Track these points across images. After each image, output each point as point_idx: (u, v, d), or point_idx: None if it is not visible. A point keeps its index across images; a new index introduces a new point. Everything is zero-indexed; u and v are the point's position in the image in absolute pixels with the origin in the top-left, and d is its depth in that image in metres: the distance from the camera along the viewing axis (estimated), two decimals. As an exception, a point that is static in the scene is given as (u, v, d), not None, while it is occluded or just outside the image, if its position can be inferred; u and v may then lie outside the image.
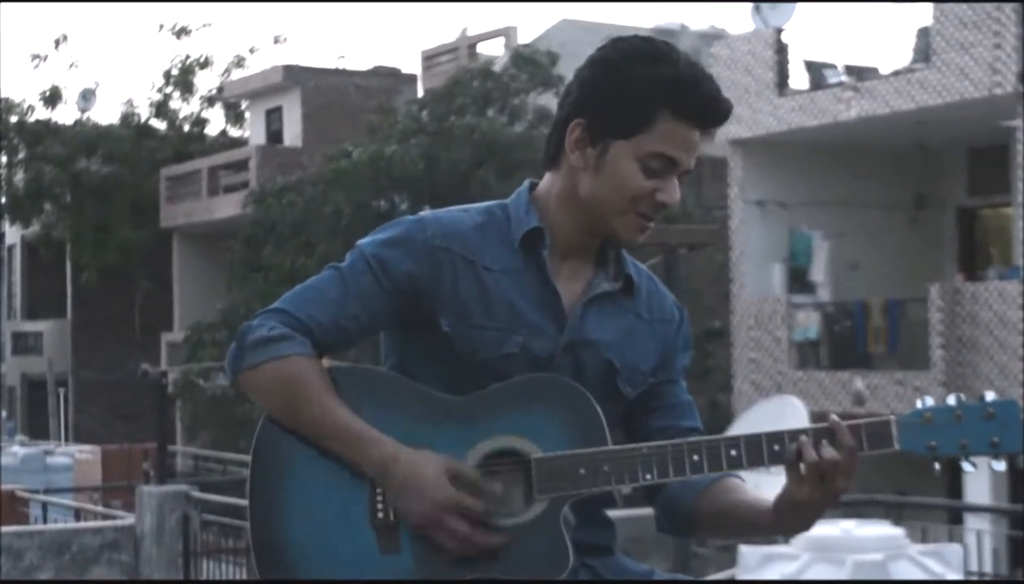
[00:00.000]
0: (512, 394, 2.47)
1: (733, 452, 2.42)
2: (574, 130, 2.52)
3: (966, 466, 2.44)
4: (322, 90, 33.52)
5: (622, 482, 2.43)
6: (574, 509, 2.47)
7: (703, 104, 2.49)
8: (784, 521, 2.48)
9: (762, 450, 2.42)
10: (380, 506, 2.44)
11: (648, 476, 2.42)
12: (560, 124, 2.55)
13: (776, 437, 2.42)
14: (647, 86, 2.47)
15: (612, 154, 2.49)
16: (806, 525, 2.49)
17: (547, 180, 2.60)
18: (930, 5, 19.99)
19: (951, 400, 2.43)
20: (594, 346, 2.55)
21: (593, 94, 2.51)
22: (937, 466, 2.44)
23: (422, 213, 2.59)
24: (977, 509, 15.39)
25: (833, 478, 2.39)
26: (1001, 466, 2.42)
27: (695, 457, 2.42)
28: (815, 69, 22.46)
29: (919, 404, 2.44)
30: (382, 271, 2.51)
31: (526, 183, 2.64)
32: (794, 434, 2.42)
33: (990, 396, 2.43)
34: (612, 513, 2.67)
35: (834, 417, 2.43)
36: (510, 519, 2.43)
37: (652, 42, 2.53)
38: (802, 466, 2.39)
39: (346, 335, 2.52)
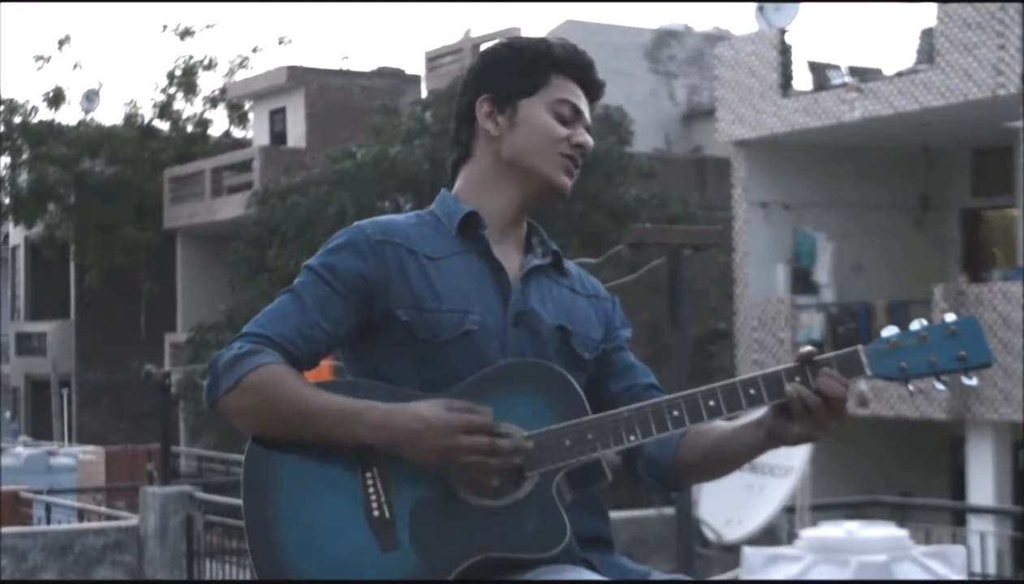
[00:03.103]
0: (487, 383, 2.51)
1: (712, 402, 2.48)
2: (482, 106, 2.69)
3: (937, 385, 2.49)
4: (326, 91, 33.52)
5: (608, 446, 2.48)
6: (569, 484, 2.50)
7: (585, 68, 2.72)
8: (773, 445, 2.56)
9: (739, 396, 2.49)
10: (375, 504, 2.46)
11: (632, 437, 2.48)
12: (463, 115, 2.72)
13: (750, 382, 2.49)
14: (537, 51, 2.70)
15: (523, 111, 2.68)
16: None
17: (463, 175, 2.76)
18: (934, 6, 19.99)
19: (914, 325, 2.50)
20: (542, 316, 2.64)
21: (490, 71, 2.72)
22: (911, 388, 2.51)
23: (357, 222, 2.68)
24: (981, 510, 15.40)
25: (826, 415, 2.46)
26: (973, 381, 2.48)
27: (675, 412, 2.48)
28: (819, 70, 22.45)
29: (884, 333, 2.51)
30: (333, 277, 2.58)
31: (443, 190, 2.78)
32: (768, 376, 2.49)
33: (950, 316, 2.50)
34: (615, 514, 2.68)
35: (805, 349, 2.52)
36: (502, 499, 2.45)
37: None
38: (795, 408, 2.46)
39: (313, 345, 2.57)
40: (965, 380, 2.49)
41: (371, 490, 2.46)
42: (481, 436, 2.43)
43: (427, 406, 2.46)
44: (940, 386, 2.50)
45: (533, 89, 2.67)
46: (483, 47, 2.82)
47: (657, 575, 2.64)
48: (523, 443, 2.44)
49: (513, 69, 2.68)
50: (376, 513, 2.44)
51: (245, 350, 2.52)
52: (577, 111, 2.68)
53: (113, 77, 67.25)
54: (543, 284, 2.68)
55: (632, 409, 2.50)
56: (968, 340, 2.47)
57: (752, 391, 2.48)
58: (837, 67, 22.64)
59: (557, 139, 2.66)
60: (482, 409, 2.46)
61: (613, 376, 2.72)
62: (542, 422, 2.48)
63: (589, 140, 2.69)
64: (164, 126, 37.61)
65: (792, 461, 8.98)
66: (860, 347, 2.50)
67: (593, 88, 2.73)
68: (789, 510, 9.86)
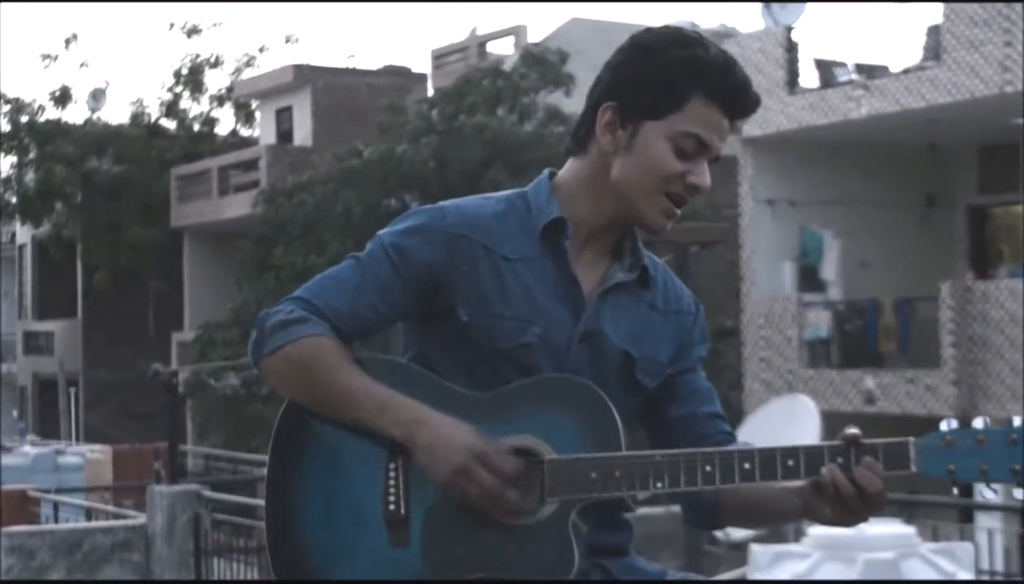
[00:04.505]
0: (530, 394, 2.45)
1: (746, 465, 2.40)
2: (605, 113, 2.51)
3: (986, 492, 2.39)
4: (332, 89, 33.54)
5: (633, 489, 2.41)
6: (590, 511, 2.45)
7: (734, 90, 2.54)
8: (808, 518, 2.49)
9: (776, 466, 2.40)
10: (392, 497, 2.44)
11: (659, 484, 2.40)
12: (591, 109, 2.54)
13: (790, 452, 2.40)
14: (680, 67, 2.48)
15: (643, 135, 2.49)
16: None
17: (570, 167, 2.59)
18: (940, 3, 19.97)
19: (977, 423, 2.38)
20: (610, 337, 2.54)
21: (624, 76, 2.51)
22: (955, 490, 2.41)
23: (442, 202, 2.57)
24: (988, 507, 15.35)
25: (860, 506, 2.38)
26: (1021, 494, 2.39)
27: (708, 468, 2.40)
28: (825, 67, 22.43)
29: (943, 426, 2.39)
30: (400, 259, 2.49)
31: (545, 172, 2.61)
32: (809, 450, 2.40)
33: (1017, 422, 2.38)
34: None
35: (852, 430, 2.40)
36: (520, 518, 2.42)
37: (683, 30, 2.56)
38: (827, 491, 2.38)
39: (364, 323, 2.51)
40: (1016, 492, 2.42)
41: (392, 482, 2.43)
42: (494, 477, 2.36)
43: (461, 425, 2.39)
44: (989, 494, 2.39)
45: (663, 112, 2.48)
46: (628, 41, 2.54)
47: (672, 575, 2.63)
48: (525, 506, 2.38)
49: (648, 85, 2.48)
50: (392, 506, 2.43)
51: (294, 317, 2.46)
52: (703, 145, 2.49)
53: (120, 76, 67.44)
54: (620, 302, 2.57)
55: (666, 454, 2.42)
56: None
57: (790, 462, 2.38)
58: (844, 64, 22.62)
59: (669, 177, 2.48)
60: (514, 459, 2.38)
61: (675, 399, 2.63)
62: (573, 447, 2.41)
63: (705, 181, 2.50)
64: (171, 125, 37.67)
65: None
66: (911, 440, 2.37)
67: (739, 111, 2.56)
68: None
